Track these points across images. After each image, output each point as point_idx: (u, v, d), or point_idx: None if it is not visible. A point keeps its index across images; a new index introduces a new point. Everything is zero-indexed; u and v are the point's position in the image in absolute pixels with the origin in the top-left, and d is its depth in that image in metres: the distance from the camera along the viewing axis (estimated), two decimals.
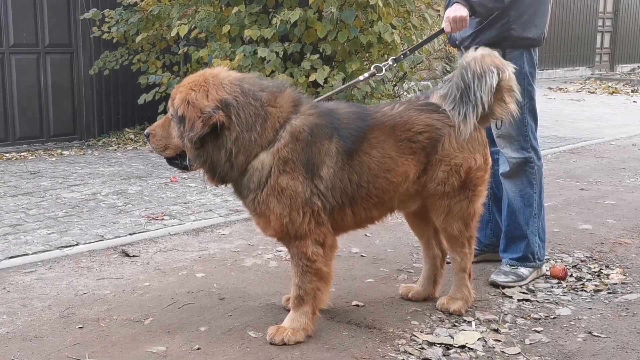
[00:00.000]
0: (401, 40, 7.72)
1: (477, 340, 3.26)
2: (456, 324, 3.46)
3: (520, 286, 3.94)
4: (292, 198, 3.10)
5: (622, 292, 3.89)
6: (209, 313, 3.55)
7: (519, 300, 3.76)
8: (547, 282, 4.06)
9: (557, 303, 3.75)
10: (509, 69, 3.35)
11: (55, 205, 5.75)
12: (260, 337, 3.25)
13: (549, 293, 3.90)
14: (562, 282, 4.06)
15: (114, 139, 9.27)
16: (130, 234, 4.92)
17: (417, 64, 8.57)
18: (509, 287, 3.91)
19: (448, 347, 3.20)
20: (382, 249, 4.64)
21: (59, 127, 9.15)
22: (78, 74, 9.21)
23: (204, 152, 3.09)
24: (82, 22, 9.03)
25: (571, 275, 4.16)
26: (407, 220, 3.82)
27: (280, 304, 3.62)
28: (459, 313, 3.54)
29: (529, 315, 3.57)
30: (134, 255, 4.46)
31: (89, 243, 4.71)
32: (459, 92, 3.33)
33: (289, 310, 3.31)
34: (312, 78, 7.25)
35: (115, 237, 4.85)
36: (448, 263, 3.73)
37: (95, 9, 8.86)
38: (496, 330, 3.39)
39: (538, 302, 3.77)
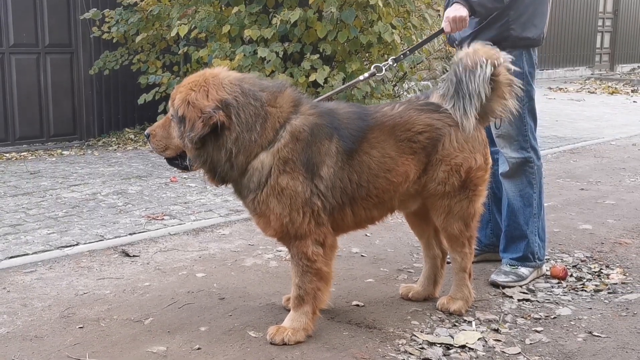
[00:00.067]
0: (401, 40, 7.72)
1: (478, 340, 3.26)
2: (456, 323, 3.46)
3: (521, 286, 3.94)
4: (292, 198, 3.10)
5: (622, 292, 3.89)
6: (209, 313, 3.55)
7: (519, 300, 3.77)
8: (548, 282, 4.06)
9: (557, 303, 3.75)
10: (504, 59, 3.35)
11: (55, 205, 5.75)
12: (260, 337, 3.25)
13: (549, 293, 3.90)
14: (562, 282, 4.06)
15: (114, 139, 9.27)
16: (130, 234, 4.92)
17: (417, 64, 8.58)
18: (509, 287, 3.91)
19: (448, 347, 3.20)
20: (382, 249, 4.64)
21: (59, 127, 9.15)
22: (78, 74, 9.22)
23: (204, 152, 3.09)
24: (82, 22, 9.03)
25: (571, 275, 4.16)
26: (407, 220, 3.82)
27: (280, 304, 3.62)
28: (459, 313, 3.54)
29: (529, 315, 3.57)
30: (134, 255, 4.46)
31: (89, 243, 4.71)
32: (454, 87, 3.35)
33: (289, 310, 3.31)
34: (312, 78, 7.25)
35: (116, 237, 4.85)
36: (448, 263, 3.73)
37: (95, 9, 8.86)
38: (496, 330, 3.39)
39: (538, 302, 3.77)
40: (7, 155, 8.26)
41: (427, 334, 3.33)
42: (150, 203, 5.83)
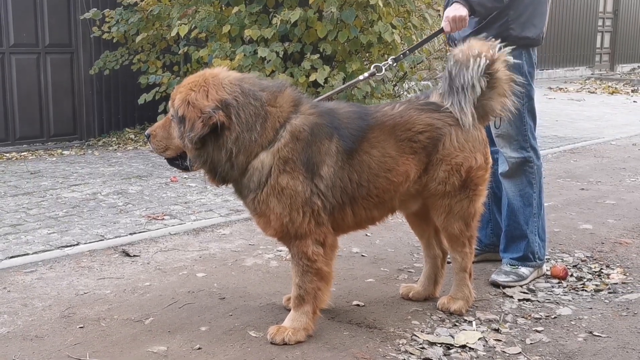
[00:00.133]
0: (401, 40, 7.72)
1: (478, 340, 3.26)
2: (457, 323, 3.46)
3: (521, 286, 3.94)
4: (292, 197, 3.10)
5: (622, 292, 3.89)
6: (210, 313, 3.55)
7: (519, 300, 3.77)
8: (548, 282, 4.06)
9: (557, 303, 3.75)
10: (499, 52, 3.35)
11: (55, 205, 5.75)
12: (261, 337, 3.25)
13: (549, 293, 3.90)
14: (562, 281, 4.06)
15: (114, 139, 9.27)
16: (130, 234, 4.92)
17: (417, 64, 8.57)
18: (510, 286, 3.91)
19: (449, 346, 3.20)
20: (382, 249, 4.64)
21: (59, 127, 9.15)
22: (78, 73, 9.22)
23: (204, 152, 3.09)
24: (82, 22, 9.04)
25: (572, 275, 4.16)
26: (408, 220, 3.82)
27: (281, 304, 3.62)
28: (460, 313, 3.54)
29: (530, 315, 3.57)
30: (134, 255, 4.46)
31: (90, 243, 4.72)
32: (447, 83, 3.37)
33: (289, 310, 3.31)
34: (312, 78, 7.25)
35: (116, 237, 4.85)
36: (449, 263, 3.73)
37: (96, 9, 8.86)
38: (497, 330, 3.39)
39: (539, 301, 3.77)
40: (8, 155, 8.26)
41: (428, 333, 3.33)
42: (150, 203, 5.83)
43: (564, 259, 4.45)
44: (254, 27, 7.42)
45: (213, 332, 3.32)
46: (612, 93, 15.78)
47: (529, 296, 3.82)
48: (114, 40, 8.95)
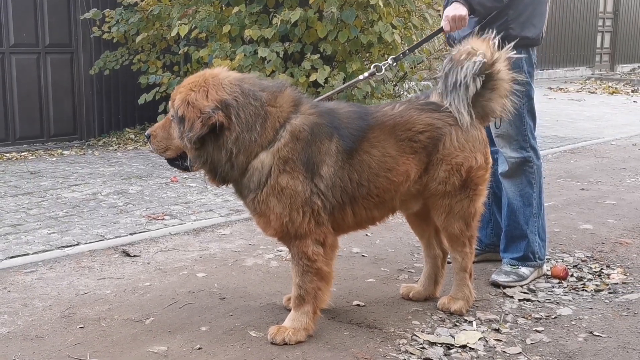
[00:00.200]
0: (401, 40, 7.72)
1: (478, 340, 3.26)
2: (457, 323, 3.46)
3: (521, 286, 3.94)
4: (292, 197, 3.10)
5: (623, 292, 3.89)
6: (210, 313, 3.55)
7: (519, 300, 3.76)
8: (548, 282, 4.06)
9: (558, 303, 3.75)
10: (501, 53, 3.35)
11: (55, 205, 5.75)
12: (261, 337, 3.25)
13: (549, 293, 3.90)
14: (563, 281, 4.06)
15: (115, 139, 9.27)
16: (131, 234, 4.92)
17: (418, 64, 8.57)
18: (510, 286, 3.91)
19: (449, 346, 3.20)
20: (382, 249, 4.64)
21: (59, 126, 9.15)
22: (78, 73, 9.22)
23: (204, 152, 3.09)
24: (83, 22, 9.04)
25: (572, 275, 4.16)
26: (408, 220, 3.82)
27: (281, 304, 3.62)
28: (460, 313, 3.54)
29: (530, 315, 3.57)
30: (134, 255, 4.46)
31: (90, 243, 4.71)
32: (442, 83, 3.37)
33: (289, 310, 3.31)
34: (312, 78, 7.25)
35: (116, 237, 4.85)
36: (449, 263, 3.73)
37: (96, 9, 8.86)
38: (497, 330, 3.39)
39: (539, 301, 3.77)
40: (8, 155, 8.26)
41: (428, 333, 3.33)
42: (150, 203, 5.83)
43: (565, 259, 4.45)
44: (254, 27, 7.42)
45: (213, 332, 3.32)
46: (612, 93, 15.78)
47: (529, 296, 3.82)
48: (114, 40, 8.95)
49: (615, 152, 8.59)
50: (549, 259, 4.40)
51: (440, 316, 3.53)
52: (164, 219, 5.33)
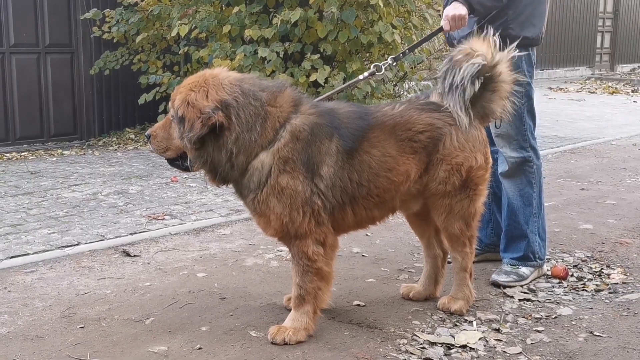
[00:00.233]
0: (402, 40, 7.72)
1: (479, 340, 3.26)
2: (457, 323, 3.46)
3: (522, 286, 3.94)
4: (292, 197, 3.10)
5: (623, 292, 3.89)
6: (210, 313, 3.55)
7: (520, 300, 3.76)
8: (548, 282, 4.06)
9: (558, 303, 3.75)
10: (503, 55, 3.33)
11: (56, 205, 5.75)
12: (261, 337, 3.25)
13: (550, 293, 3.90)
14: (563, 281, 4.06)
15: (115, 139, 9.27)
16: (131, 234, 4.92)
17: (418, 64, 8.57)
18: (510, 286, 3.91)
19: (449, 346, 3.20)
20: (383, 249, 4.64)
21: (59, 126, 9.15)
22: (78, 73, 9.22)
23: (204, 152, 3.09)
24: (83, 22, 9.04)
25: (572, 275, 4.16)
26: (408, 220, 3.82)
27: (281, 304, 3.62)
28: (460, 313, 3.54)
29: (530, 315, 3.57)
30: (135, 255, 4.46)
31: (90, 243, 4.71)
32: (441, 83, 3.35)
33: (290, 310, 3.31)
34: (312, 78, 7.25)
35: (116, 237, 4.85)
36: (449, 263, 3.73)
37: (96, 9, 8.87)
38: (497, 330, 3.39)
39: (539, 301, 3.77)
40: (8, 155, 8.26)
41: (428, 333, 3.33)
42: (151, 203, 5.83)
43: (565, 259, 4.45)
44: (255, 27, 7.42)
45: (214, 332, 3.32)
46: (612, 93, 15.78)
47: (529, 296, 3.82)
48: (114, 40, 8.95)
49: (615, 152, 8.59)
50: (549, 258, 4.40)
51: (441, 316, 3.53)
52: (164, 218, 5.33)
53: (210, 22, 7.71)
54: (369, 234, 4.87)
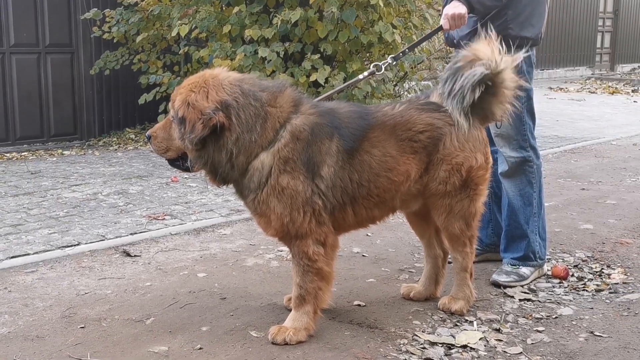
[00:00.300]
0: (402, 40, 7.72)
1: (479, 340, 3.26)
2: (458, 323, 3.46)
3: (522, 286, 3.94)
4: (293, 197, 3.10)
5: (623, 292, 3.89)
6: (211, 313, 3.55)
7: (520, 300, 3.76)
8: (549, 282, 4.06)
9: (558, 303, 3.75)
10: (508, 62, 3.30)
11: (56, 205, 5.75)
12: (262, 337, 3.25)
13: (550, 293, 3.90)
14: (563, 281, 4.06)
15: (115, 139, 9.27)
16: (131, 234, 4.92)
17: (418, 64, 8.57)
18: (511, 286, 3.91)
19: (450, 346, 3.20)
20: (383, 249, 4.64)
21: (59, 126, 9.15)
22: (79, 73, 9.22)
23: (205, 153, 3.09)
24: (83, 22, 9.04)
25: (572, 275, 4.16)
26: (409, 220, 3.82)
27: (281, 304, 3.62)
28: (461, 313, 3.53)
29: (531, 315, 3.57)
30: (135, 255, 4.46)
31: (90, 243, 4.71)
32: (442, 85, 3.34)
33: (290, 310, 3.31)
34: (312, 78, 7.25)
35: (117, 237, 4.85)
36: (449, 263, 3.73)
37: (96, 9, 8.87)
38: (498, 330, 3.39)
39: (540, 301, 3.77)
40: (8, 155, 8.26)
41: (429, 333, 3.33)
42: (151, 203, 5.83)
43: (565, 259, 4.45)
44: (255, 27, 7.42)
45: (214, 332, 3.32)
46: (612, 93, 15.78)
47: (530, 296, 3.82)
48: (115, 40, 8.95)
49: (615, 152, 8.59)
50: (550, 258, 4.40)
51: (441, 316, 3.53)
52: (164, 219, 5.33)
53: (210, 22, 7.71)
54: (369, 234, 4.87)
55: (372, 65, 3.90)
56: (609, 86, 16.98)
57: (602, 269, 4.27)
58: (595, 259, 4.46)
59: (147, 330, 3.34)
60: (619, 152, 8.63)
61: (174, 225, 5.13)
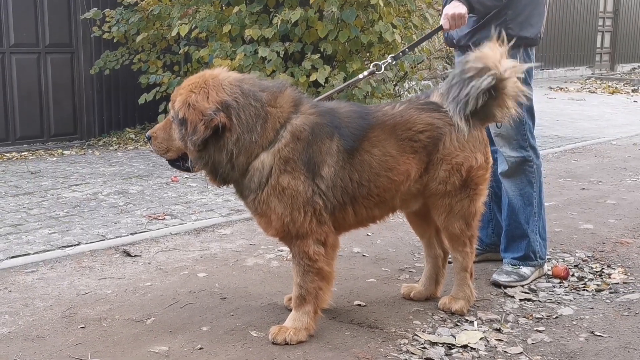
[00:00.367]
0: (402, 40, 7.72)
1: (480, 339, 3.26)
2: (458, 323, 3.46)
3: (522, 286, 3.94)
4: (293, 197, 3.10)
5: (623, 292, 3.89)
6: (211, 313, 3.55)
7: (520, 300, 3.76)
8: (549, 282, 4.06)
9: (559, 303, 3.75)
10: (513, 70, 3.28)
11: (56, 205, 5.75)
12: (262, 337, 3.25)
13: (550, 293, 3.90)
14: (564, 281, 4.06)
15: (115, 139, 9.27)
16: (131, 234, 4.92)
17: (418, 64, 8.57)
18: (511, 286, 3.91)
19: (450, 346, 3.20)
20: (383, 249, 4.64)
21: (59, 126, 9.15)
22: (79, 73, 9.22)
23: (205, 154, 3.09)
24: (83, 21, 9.04)
25: (573, 275, 4.16)
26: (409, 220, 3.82)
27: (282, 304, 3.62)
28: (461, 313, 3.53)
29: (531, 315, 3.57)
30: (135, 255, 4.46)
31: (91, 243, 4.71)
32: (446, 89, 3.33)
33: (291, 310, 3.31)
34: (312, 78, 7.25)
35: (117, 237, 4.85)
36: (450, 262, 3.73)
37: (96, 9, 8.86)
38: (498, 330, 3.39)
39: (540, 301, 3.77)
40: (8, 155, 8.26)
41: (429, 333, 3.33)
42: (151, 203, 5.83)
43: (565, 259, 4.45)
44: (255, 26, 7.42)
45: (214, 332, 3.32)
46: (612, 93, 15.78)
47: (530, 296, 3.82)
48: (115, 40, 8.95)
49: (615, 152, 8.59)
50: (550, 258, 4.40)
51: (442, 316, 3.53)
52: (164, 218, 5.33)
53: (210, 22, 7.71)
54: (369, 234, 4.86)
55: (372, 64, 3.90)
56: (609, 86, 16.98)
57: (603, 268, 4.27)
58: (596, 259, 4.46)
59: (148, 330, 3.34)
60: (619, 151, 8.63)
61: (174, 225, 5.13)
